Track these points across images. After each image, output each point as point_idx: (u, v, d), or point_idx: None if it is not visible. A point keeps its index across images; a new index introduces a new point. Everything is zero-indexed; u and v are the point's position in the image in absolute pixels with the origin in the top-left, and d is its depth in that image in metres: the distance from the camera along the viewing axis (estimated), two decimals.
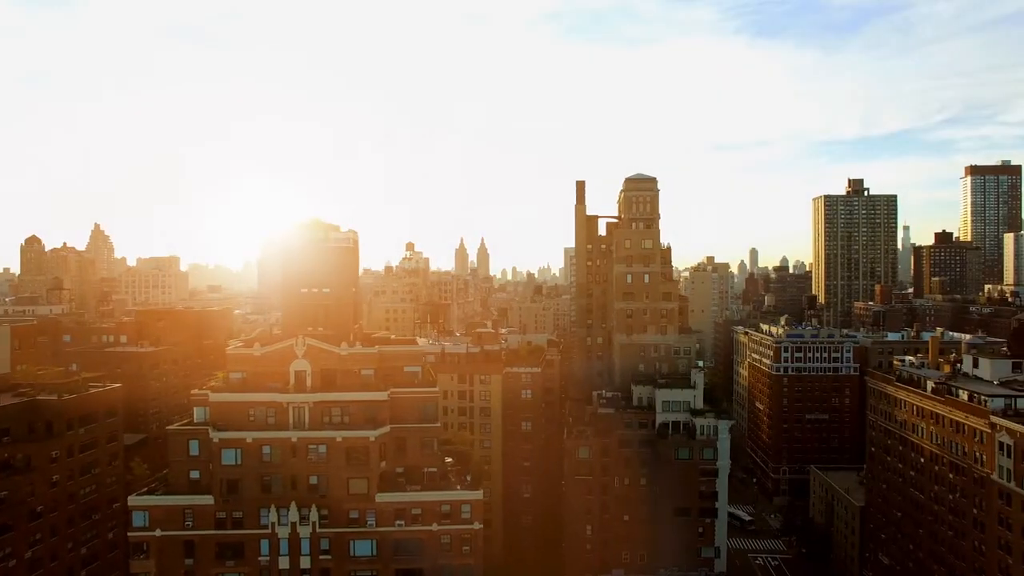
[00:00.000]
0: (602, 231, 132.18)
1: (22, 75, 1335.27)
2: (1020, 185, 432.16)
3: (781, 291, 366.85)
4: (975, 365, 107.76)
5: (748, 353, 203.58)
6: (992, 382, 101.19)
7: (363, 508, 64.94)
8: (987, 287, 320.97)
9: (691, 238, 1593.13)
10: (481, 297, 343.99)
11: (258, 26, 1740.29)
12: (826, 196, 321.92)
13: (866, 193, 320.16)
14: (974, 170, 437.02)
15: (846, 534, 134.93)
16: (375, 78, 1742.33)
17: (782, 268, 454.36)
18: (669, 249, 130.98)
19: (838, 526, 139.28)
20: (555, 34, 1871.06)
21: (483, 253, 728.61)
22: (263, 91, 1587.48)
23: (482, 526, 65.94)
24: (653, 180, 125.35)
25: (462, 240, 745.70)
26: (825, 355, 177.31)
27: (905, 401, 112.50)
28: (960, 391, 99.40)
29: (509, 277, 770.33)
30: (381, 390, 67.19)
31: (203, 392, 66.88)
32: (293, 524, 64.31)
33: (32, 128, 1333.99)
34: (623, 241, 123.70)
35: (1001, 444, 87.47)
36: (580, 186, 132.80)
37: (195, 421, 66.90)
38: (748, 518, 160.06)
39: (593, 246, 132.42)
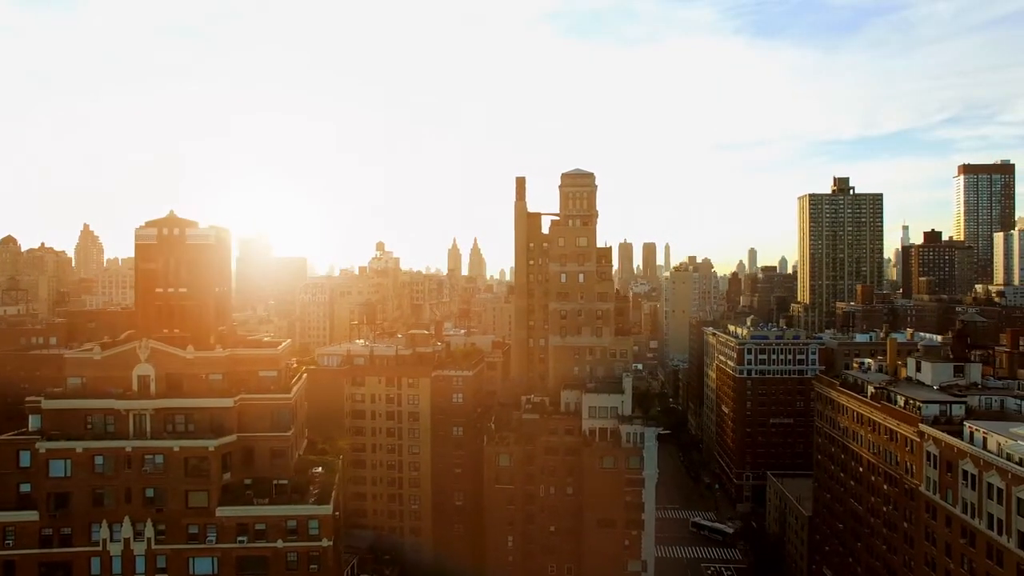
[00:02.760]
0: (547, 229, 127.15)
1: (20, 75, 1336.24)
2: (1013, 184, 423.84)
3: (768, 291, 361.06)
4: (918, 369, 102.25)
5: (716, 355, 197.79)
6: (933, 387, 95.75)
7: (203, 523, 60.09)
8: (977, 287, 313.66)
9: (691, 238, 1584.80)
10: (464, 298, 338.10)
11: (255, 26, 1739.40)
12: (811, 195, 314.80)
13: (851, 192, 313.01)
14: (967, 169, 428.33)
15: (796, 544, 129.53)
16: (374, 79, 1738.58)
17: (770, 268, 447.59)
18: (609, 248, 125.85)
19: (790, 536, 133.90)
20: (554, 34, 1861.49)
21: (476, 253, 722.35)
22: (261, 90, 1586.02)
23: (332, 543, 60.87)
24: (590, 176, 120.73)
25: (455, 240, 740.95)
26: (790, 357, 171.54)
27: (846, 407, 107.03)
28: (898, 397, 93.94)
29: (508, 278, 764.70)
30: (230, 396, 62.41)
31: (36, 399, 62.31)
32: (127, 540, 59.53)
33: (29, 128, 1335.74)
34: (558, 239, 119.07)
35: (928, 454, 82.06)
36: (520, 182, 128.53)
37: (29, 429, 62.31)
38: (731, 530, 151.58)
39: (535, 244, 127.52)
